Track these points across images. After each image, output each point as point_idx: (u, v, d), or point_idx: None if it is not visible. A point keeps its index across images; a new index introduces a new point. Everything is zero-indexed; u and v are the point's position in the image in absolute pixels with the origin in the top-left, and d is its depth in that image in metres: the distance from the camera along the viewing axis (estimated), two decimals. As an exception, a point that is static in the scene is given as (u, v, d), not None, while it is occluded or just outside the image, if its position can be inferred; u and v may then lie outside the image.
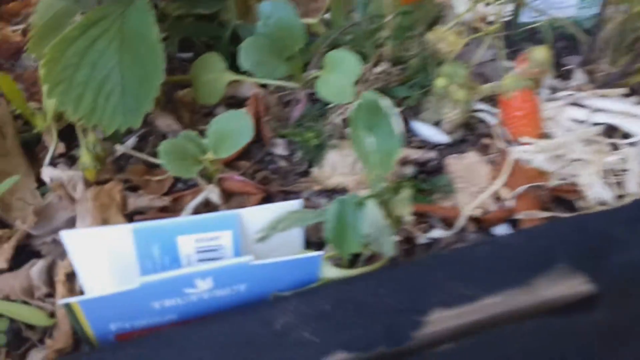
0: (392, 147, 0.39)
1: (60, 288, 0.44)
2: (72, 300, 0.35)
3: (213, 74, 0.58)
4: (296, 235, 0.43)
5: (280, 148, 0.57)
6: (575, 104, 0.57)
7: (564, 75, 0.63)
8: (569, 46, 0.67)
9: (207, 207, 0.51)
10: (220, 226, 0.40)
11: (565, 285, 0.40)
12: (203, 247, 0.40)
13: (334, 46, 0.62)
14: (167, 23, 0.64)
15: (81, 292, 0.43)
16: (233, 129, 0.47)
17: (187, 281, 0.36)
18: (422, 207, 0.48)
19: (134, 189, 0.53)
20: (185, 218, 0.39)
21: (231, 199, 0.51)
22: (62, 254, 0.45)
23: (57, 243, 0.48)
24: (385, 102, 0.38)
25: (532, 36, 0.67)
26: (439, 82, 0.54)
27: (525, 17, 0.66)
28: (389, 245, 0.39)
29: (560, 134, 0.56)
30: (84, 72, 0.49)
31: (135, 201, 0.50)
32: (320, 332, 0.37)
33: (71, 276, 0.45)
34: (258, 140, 0.58)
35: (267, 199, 0.52)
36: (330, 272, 0.41)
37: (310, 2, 0.75)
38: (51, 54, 0.48)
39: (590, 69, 0.62)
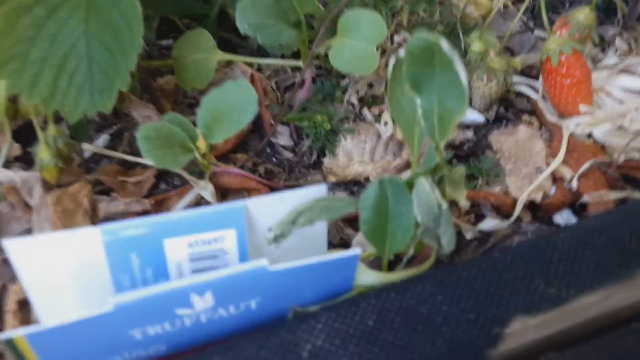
0: (454, 107, 0.30)
1: (10, 319, 0.34)
2: (16, 333, 0.24)
3: (200, 53, 0.48)
4: (318, 233, 0.33)
5: (284, 137, 0.47)
6: (626, 72, 0.49)
7: (602, 45, 0.55)
8: (599, 16, 0.59)
9: (198, 209, 0.41)
10: (220, 224, 0.30)
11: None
12: (199, 252, 0.30)
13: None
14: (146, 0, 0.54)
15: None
16: (232, 105, 0.37)
17: (179, 299, 0.26)
18: (470, 195, 0.39)
19: (106, 192, 0.43)
20: (173, 215, 0.29)
21: (227, 198, 0.41)
22: (14, 277, 0.35)
23: (8, 263, 0.38)
24: (446, 46, 0.28)
25: (562, 5, 0.60)
26: (476, 47, 0.46)
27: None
28: (449, 237, 0.30)
29: (612, 107, 0.47)
30: (41, 46, 0.39)
31: (108, 206, 0.40)
32: (364, 357, 0.27)
33: (25, 304, 0.35)
34: (257, 129, 0.48)
35: (273, 195, 0.42)
36: (369, 276, 0.31)
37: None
38: (-1, 26, 0.38)
39: (630, 36, 0.54)
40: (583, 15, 0.48)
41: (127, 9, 0.39)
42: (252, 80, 0.48)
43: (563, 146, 0.41)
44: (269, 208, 0.31)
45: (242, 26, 0.41)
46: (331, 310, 0.29)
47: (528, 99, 0.49)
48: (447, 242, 0.30)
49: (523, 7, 0.47)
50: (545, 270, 0.30)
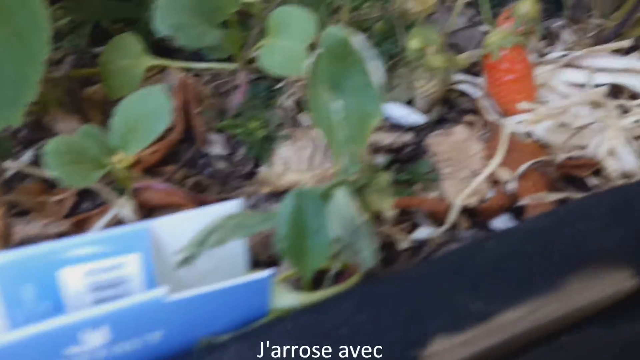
0: (370, 110, 0.28)
1: None
2: None
3: (127, 59, 0.46)
4: (237, 251, 0.31)
5: (217, 146, 0.45)
6: (571, 66, 0.48)
7: (549, 38, 0.54)
8: (548, 9, 0.58)
9: (122, 227, 0.39)
10: (122, 248, 0.28)
11: (605, 284, 0.30)
12: (99, 281, 0.28)
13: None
14: (71, 4, 0.52)
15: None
16: (145, 114, 0.35)
17: (68, 336, 0.24)
18: (402, 202, 0.37)
19: (26, 213, 0.40)
20: (69, 240, 0.27)
21: (153, 214, 0.39)
22: None
23: None
24: (359, 41, 0.27)
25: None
26: (413, 44, 0.44)
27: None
28: (369, 251, 0.28)
29: (557, 102, 0.46)
30: None
31: (24, 228, 0.38)
32: (278, 388, 0.26)
33: None
34: (188, 138, 0.46)
35: (203, 209, 0.40)
36: (287, 298, 0.29)
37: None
38: None
39: (578, 27, 0.52)
40: (526, 7, 0.46)
41: (33, 14, 0.36)
42: (183, 85, 0.46)
43: (501, 147, 0.40)
44: (178, 228, 0.29)
45: (161, 26, 0.38)
46: (241, 339, 0.27)
47: (471, 98, 0.47)
48: (368, 257, 0.29)
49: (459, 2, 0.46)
50: (471, 283, 0.29)
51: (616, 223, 0.30)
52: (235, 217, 0.29)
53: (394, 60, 0.47)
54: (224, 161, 0.44)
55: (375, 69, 0.26)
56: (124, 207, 0.38)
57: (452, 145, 0.40)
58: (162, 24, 0.38)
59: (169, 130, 0.45)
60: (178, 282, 0.30)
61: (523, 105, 0.42)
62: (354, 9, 0.47)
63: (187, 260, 0.28)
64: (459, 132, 0.41)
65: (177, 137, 0.44)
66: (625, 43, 0.47)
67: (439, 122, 0.47)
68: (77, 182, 0.34)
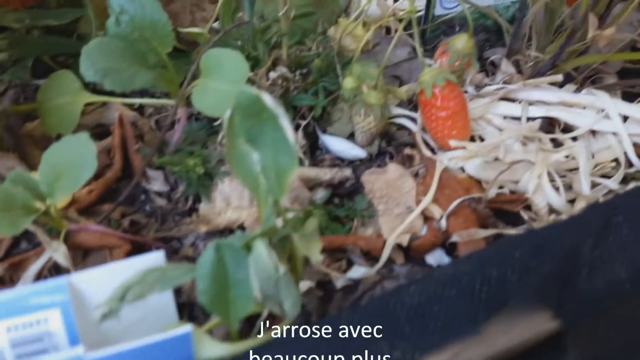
0: (285, 164, 0.28)
1: None
2: None
3: (65, 97, 0.46)
4: (165, 301, 0.31)
5: (157, 182, 0.45)
6: (506, 99, 0.49)
7: (488, 70, 0.55)
8: (491, 38, 0.59)
9: (57, 272, 0.38)
10: (42, 304, 0.27)
11: (525, 327, 0.30)
12: (21, 337, 0.28)
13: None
14: (12, 39, 0.51)
15: None
16: (71, 161, 0.34)
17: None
18: (336, 241, 0.38)
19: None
20: (-14, 298, 0.27)
21: (88, 257, 0.39)
22: None
23: None
24: (270, 101, 0.27)
25: (451, 29, 0.60)
26: (348, 83, 0.45)
27: (440, 10, 0.58)
28: (291, 302, 0.28)
29: (492, 135, 0.47)
30: None
31: (-45, 273, 0.37)
32: None
33: None
34: (128, 175, 0.46)
35: (139, 250, 0.40)
36: (213, 349, 0.29)
37: (197, 11, 0.64)
38: None
39: (517, 59, 0.54)
40: (462, 43, 0.48)
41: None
42: (121, 122, 0.46)
43: (434, 183, 0.41)
44: (101, 281, 0.29)
45: (88, 73, 0.38)
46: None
47: (410, 131, 0.48)
48: (290, 308, 0.29)
49: (397, 42, 0.47)
50: (394, 330, 0.29)
51: (534, 266, 0.31)
52: (155, 271, 0.29)
53: (334, 95, 0.48)
54: (164, 198, 0.44)
55: (288, 126, 0.27)
56: (57, 250, 0.37)
57: (387, 183, 0.41)
58: (88, 70, 0.38)
59: (106, 168, 0.45)
60: (105, 335, 0.30)
61: (453, 143, 0.43)
62: (293, 46, 0.47)
63: (107, 316, 0.28)
64: (393, 170, 0.42)
65: (115, 176, 0.44)
66: (559, 77, 0.49)
67: (379, 156, 0.48)
68: (6, 231, 0.34)
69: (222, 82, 0.40)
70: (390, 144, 0.48)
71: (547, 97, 0.48)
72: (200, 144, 0.46)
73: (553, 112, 0.47)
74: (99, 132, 0.49)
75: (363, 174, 0.43)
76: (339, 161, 0.48)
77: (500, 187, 0.43)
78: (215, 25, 0.62)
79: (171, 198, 0.44)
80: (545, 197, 0.40)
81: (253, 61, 0.48)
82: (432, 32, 0.59)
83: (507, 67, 0.54)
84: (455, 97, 0.45)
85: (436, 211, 0.40)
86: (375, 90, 0.46)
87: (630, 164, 0.45)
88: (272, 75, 0.46)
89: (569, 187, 0.44)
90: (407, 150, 0.47)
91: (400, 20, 0.61)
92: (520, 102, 0.49)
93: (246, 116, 0.28)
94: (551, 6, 0.49)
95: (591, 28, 0.44)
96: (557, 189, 0.42)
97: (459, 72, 0.49)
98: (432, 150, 0.47)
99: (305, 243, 0.31)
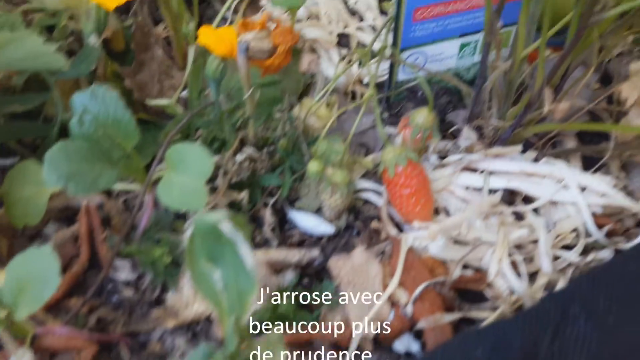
0: (245, 285, 0.29)
1: None
2: None
3: (30, 187, 0.45)
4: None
5: (124, 272, 0.45)
6: (468, 169, 0.50)
7: (453, 133, 0.57)
8: (453, 100, 0.61)
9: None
10: None
11: None
12: None
13: (187, 133, 0.52)
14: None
15: None
16: (34, 275, 0.34)
17: None
18: (304, 337, 0.38)
19: None
20: None
21: (55, 359, 0.39)
22: None
23: None
24: (228, 227, 0.28)
25: (414, 94, 0.61)
26: (312, 167, 0.45)
27: (403, 75, 0.59)
28: None
29: (456, 207, 0.48)
30: None
31: None
32: None
33: None
34: (95, 264, 0.45)
35: (107, 348, 0.40)
36: None
37: (165, 79, 0.65)
38: None
39: (479, 124, 0.55)
40: (422, 117, 0.49)
41: None
42: (87, 212, 0.46)
43: (399, 268, 0.42)
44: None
45: (50, 178, 0.38)
46: None
47: (376, 205, 0.49)
48: None
49: (363, 109, 0.48)
50: None
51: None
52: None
53: (300, 172, 0.48)
54: (131, 287, 0.44)
55: (246, 251, 0.28)
56: (23, 357, 0.37)
57: (353, 268, 0.42)
58: (51, 175, 0.38)
59: (73, 258, 0.45)
60: None
61: (417, 224, 0.44)
62: (259, 126, 0.48)
63: None
64: (359, 255, 0.43)
65: (82, 268, 0.44)
66: (518, 148, 0.50)
67: (347, 230, 0.48)
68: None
69: (187, 176, 0.40)
70: (357, 218, 0.49)
71: (507, 167, 0.49)
72: (168, 229, 0.46)
73: (514, 183, 0.48)
74: (66, 215, 0.49)
75: (330, 259, 0.43)
76: (307, 236, 0.48)
77: (465, 267, 0.43)
78: (184, 94, 0.63)
79: (139, 287, 0.44)
80: (507, 281, 0.41)
81: (220, 142, 0.49)
82: (396, 96, 0.60)
83: (468, 133, 0.55)
84: (418, 174, 0.46)
85: (402, 296, 0.40)
86: (340, 169, 0.46)
87: (590, 234, 0.46)
88: (239, 157, 0.46)
89: (530, 260, 0.45)
90: (374, 224, 0.48)
91: (367, 85, 0.62)
92: (482, 172, 0.50)
93: (206, 239, 0.29)
94: (509, 76, 0.51)
95: (547, 101, 0.46)
96: (519, 265, 0.42)
97: (421, 145, 0.50)
98: (398, 225, 0.48)
99: (272, 352, 0.31)
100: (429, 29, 0.55)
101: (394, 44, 0.55)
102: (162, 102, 0.59)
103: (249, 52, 0.45)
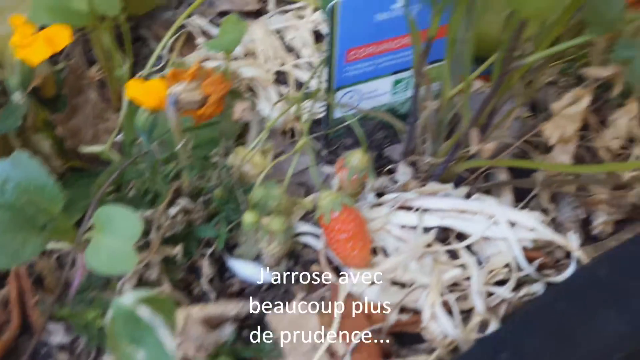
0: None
1: None
2: None
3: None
4: None
5: (58, 335, 0.44)
6: (403, 207, 0.51)
7: (390, 169, 0.58)
8: (389, 135, 0.62)
9: None
10: None
11: None
12: None
13: (120, 183, 0.51)
14: None
15: None
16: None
17: None
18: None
19: None
20: None
21: None
22: None
23: None
24: (145, 312, 0.28)
25: (352, 130, 0.62)
26: (247, 219, 0.45)
27: (340, 112, 0.60)
28: None
29: (393, 247, 0.49)
30: None
31: None
32: None
33: None
34: (27, 329, 0.44)
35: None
36: None
37: (100, 122, 0.63)
38: None
39: (414, 159, 0.56)
40: (357, 160, 0.50)
41: None
42: (17, 276, 0.45)
43: (336, 317, 0.42)
44: None
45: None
46: None
47: (315, 248, 0.49)
48: None
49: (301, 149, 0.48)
50: None
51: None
52: None
53: (236, 221, 0.48)
54: (66, 352, 0.43)
55: (166, 336, 0.27)
56: None
57: (291, 321, 0.42)
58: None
59: (4, 325, 0.44)
60: None
61: (353, 271, 0.44)
62: (193, 176, 0.48)
63: None
64: (296, 307, 0.43)
65: (13, 335, 0.43)
66: (448, 187, 0.51)
67: (287, 275, 0.48)
68: None
69: (115, 239, 0.39)
70: (297, 262, 0.49)
71: (440, 205, 0.50)
72: (102, 288, 0.45)
73: (447, 221, 0.49)
74: (-4, 275, 0.48)
75: (267, 313, 0.43)
76: (248, 284, 0.48)
77: (402, 309, 0.44)
78: (120, 138, 0.62)
79: (73, 351, 0.43)
80: (440, 325, 0.42)
81: (153, 194, 0.48)
82: (335, 133, 0.61)
83: (404, 168, 0.56)
84: (354, 219, 0.46)
85: (340, 348, 0.41)
86: (277, 216, 0.46)
87: (522, 268, 0.48)
88: (172, 210, 0.46)
89: (466, 298, 0.46)
90: (314, 268, 0.48)
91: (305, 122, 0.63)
92: (417, 210, 0.51)
93: (126, 322, 0.28)
94: (439, 115, 0.52)
95: (473, 142, 0.47)
96: (452, 304, 0.44)
97: (358, 184, 0.51)
98: (338, 268, 0.48)
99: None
100: (362, 68, 0.56)
101: (328, 84, 0.55)
102: (95, 148, 0.58)
103: (179, 103, 0.45)
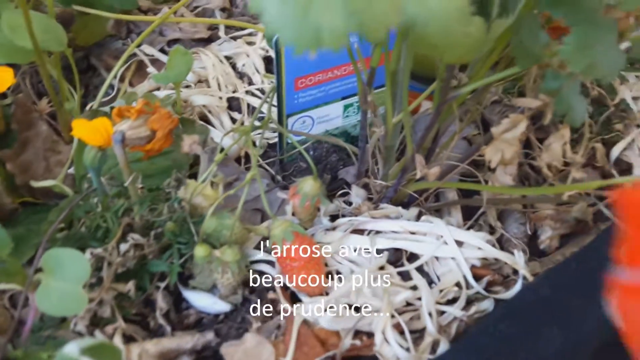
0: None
1: None
2: None
3: None
4: None
5: (10, 380, 0.43)
6: (356, 231, 0.52)
7: (343, 193, 0.59)
8: (343, 157, 0.63)
9: None
10: None
11: None
12: None
13: (71, 220, 0.51)
14: None
15: None
16: None
17: None
18: None
19: None
20: None
21: None
22: None
23: None
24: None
25: (306, 153, 0.63)
26: (198, 252, 0.46)
27: (293, 136, 0.60)
28: None
29: (347, 270, 0.50)
30: None
31: None
32: None
33: None
34: (-23, 375, 0.43)
35: None
36: None
37: (51, 155, 0.63)
38: None
39: (366, 182, 0.58)
40: (309, 186, 0.51)
41: None
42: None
43: (291, 346, 0.43)
44: None
45: None
46: None
47: (270, 276, 0.50)
48: None
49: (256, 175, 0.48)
50: None
51: None
52: None
53: (189, 254, 0.48)
54: (19, 396, 0.43)
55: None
56: None
57: (245, 353, 0.42)
58: None
59: (-48, 372, 0.43)
60: None
61: (307, 299, 0.45)
62: (143, 211, 0.48)
63: None
64: (249, 339, 0.43)
65: (-39, 383, 0.42)
66: (398, 208, 0.53)
67: (244, 304, 0.49)
68: None
69: (64, 282, 0.39)
70: (254, 291, 0.50)
71: (391, 227, 0.52)
72: (56, 327, 0.45)
73: (398, 243, 0.51)
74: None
75: (222, 346, 0.44)
76: (205, 314, 0.48)
77: (357, 333, 0.45)
78: (71, 170, 0.61)
79: (26, 395, 0.43)
80: (392, 348, 0.43)
81: (103, 231, 0.48)
82: (289, 157, 0.62)
83: (357, 191, 0.57)
84: (306, 247, 0.47)
85: (294, 377, 0.41)
86: (230, 247, 0.47)
87: (471, 286, 0.49)
88: (124, 247, 0.46)
89: (419, 317, 0.47)
90: (271, 295, 0.49)
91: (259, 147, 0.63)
92: (369, 233, 0.52)
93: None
94: (385, 143, 0.53)
95: (419, 167, 0.49)
96: (404, 326, 0.45)
97: (311, 210, 0.52)
98: (294, 294, 0.49)
99: None
100: (312, 95, 0.57)
101: (279, 111, 0.56)
102: (47, 183, 0.57)
103: (126, 140, 0.45)
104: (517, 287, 0.48)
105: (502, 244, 0.55)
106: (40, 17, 0.54)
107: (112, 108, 0.56)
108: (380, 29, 0.26)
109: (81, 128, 0.44)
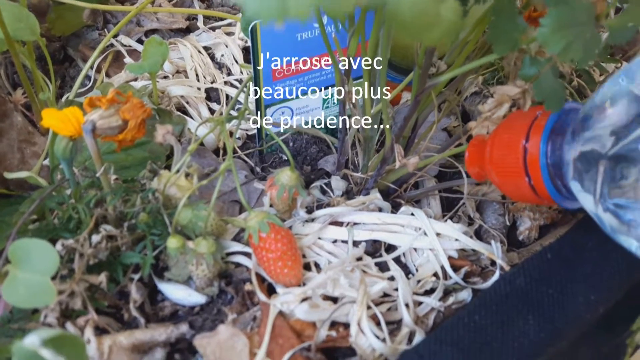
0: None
1: None
2: None
3: None
4: None
5: (-22, 374, 0.42)
6: (334, 223, 0.52)
7: (323, 184, 0.58)
8: (323, 148, 0.62)
9: None
10: None
11: None
12: None
13: (43, 212, 0.50)
14: None
15: None
16: None
17: None
18: None
19: None
20: None
21: None
22: None
23: None
24: (48, 354, 0.27)
25: (286, 144, 0.62)
26: (171, 244, 0.45)
27: (272, 128, 0.60)
28: None
29: (325, 262, 0.49)
30: None
31: None
32: None
33: None
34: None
35: None
36: None
37: (27, 147, 0.62)
38: None
39: (346, 173, 0.57)
40: (286, 177, 0.50)
41: None
42: None
43: (266, 337, 0.42)
44: None
45: None
46: None
47: (247, 267, 0.49)
48: None
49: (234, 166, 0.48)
50: None
51: None
52: None
53: (163, 245, 0.48)
54: (-13, 390, 0.42)
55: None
56: None
57: (219, 345, 0.42)
58: None
59: None
60: None
61: (282, 290, 0.45)
62: (116, 202, 0.47)
63: None
64: (223, 331, 0.43)
65: None
66: (377, 197, 0.52)
67: (220, 296, 0.48)
68: None
69: (32, 273, 0.38)
70: (230, 282, 0.49)
71: (369, 219, 0.51)
72: (26, 319, 0.44)
73: (376, 235, 0.50)
74: None
75: (195, 338, 0.43)
76: (180, 306, 0.48)
77: (333, 324, 0.45)
78: (47, 162, 0.60)
79: (-4, 389, 0.42)
80: (368, 339, 0.42)
81: (75, 222, 0.47)
82: (268, 148, 0.61)
83: (337, 182, 0.57)
84: (282, 238, 0.47)
85: (268, 369, 0.41)
86: (204, 239, 0.46)
87: (449, 276, 0.49)
88: (96, 238, 0.45)
89: (395, 309, 0.47)
90: (248, 286, 0.48)
91: (238, 138, 0.63)
92: (347, 225, 0.52)
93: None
94: (364, 134, 0.53)
95: (398, 157, 0.48)
96: (381, 318, 0.44)
97: (289, 202, 0.51)
98: (271, 285, 0.48)
99: None
100: (290, 85, 0.56)
101: (257, 102, 0.56)
102: (21, 174, 0.57)
103: (97, 130, 0.44)
104: (495, 277, 0.48)
105: (480, 235, 0.55)
106: (12, 6, 0.52)
107: (87, 98, 0.55)
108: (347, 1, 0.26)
109: (51, 117, 0.43)
